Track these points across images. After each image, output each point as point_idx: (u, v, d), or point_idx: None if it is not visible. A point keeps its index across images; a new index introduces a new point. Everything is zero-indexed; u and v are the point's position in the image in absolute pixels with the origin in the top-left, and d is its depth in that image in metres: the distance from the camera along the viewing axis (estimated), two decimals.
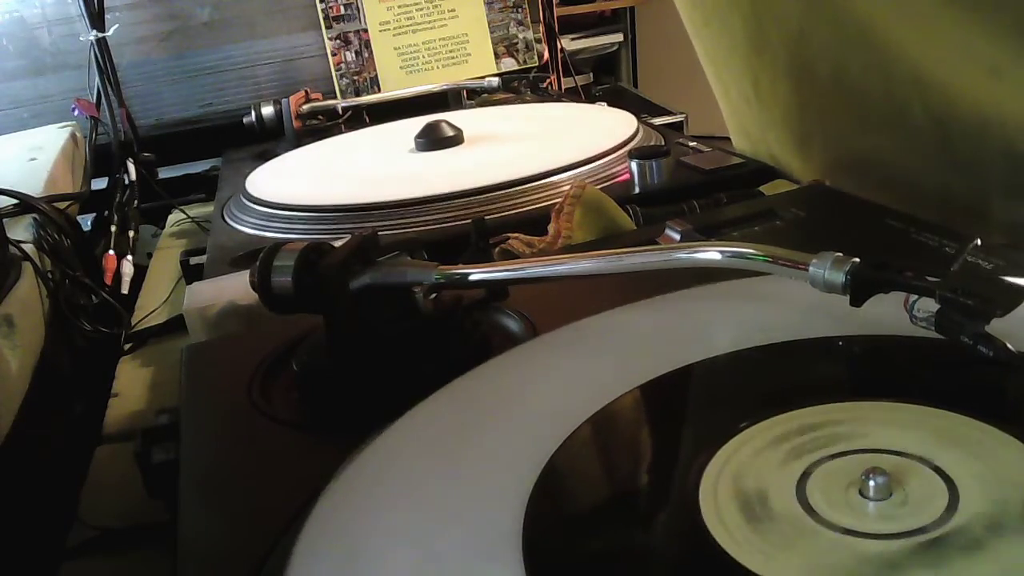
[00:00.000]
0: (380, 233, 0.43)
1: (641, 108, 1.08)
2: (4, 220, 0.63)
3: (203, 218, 0.91)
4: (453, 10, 1.18)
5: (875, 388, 0.34)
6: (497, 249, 0.57)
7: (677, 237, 0.52)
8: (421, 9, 1.17)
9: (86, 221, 0.92)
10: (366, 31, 1.16)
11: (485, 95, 1.12)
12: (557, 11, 1.28)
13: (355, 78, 1.16)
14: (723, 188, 0.65)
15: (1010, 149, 0.55)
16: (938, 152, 0.59)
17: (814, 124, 0.67)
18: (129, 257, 0.83)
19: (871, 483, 0.27)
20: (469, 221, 0.57)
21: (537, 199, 0.67)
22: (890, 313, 0.34)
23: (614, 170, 0.71)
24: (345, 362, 0.41)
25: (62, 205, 0.78)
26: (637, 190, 0.68)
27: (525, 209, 0.66)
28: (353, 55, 1.16)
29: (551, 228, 0.58)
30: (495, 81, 1.10)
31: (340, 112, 1.07)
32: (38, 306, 0.62)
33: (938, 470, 0.28)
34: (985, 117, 0.55)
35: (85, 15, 1.04)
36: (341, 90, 1.15)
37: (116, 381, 0.63)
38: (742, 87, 0.72)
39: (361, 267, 0.41)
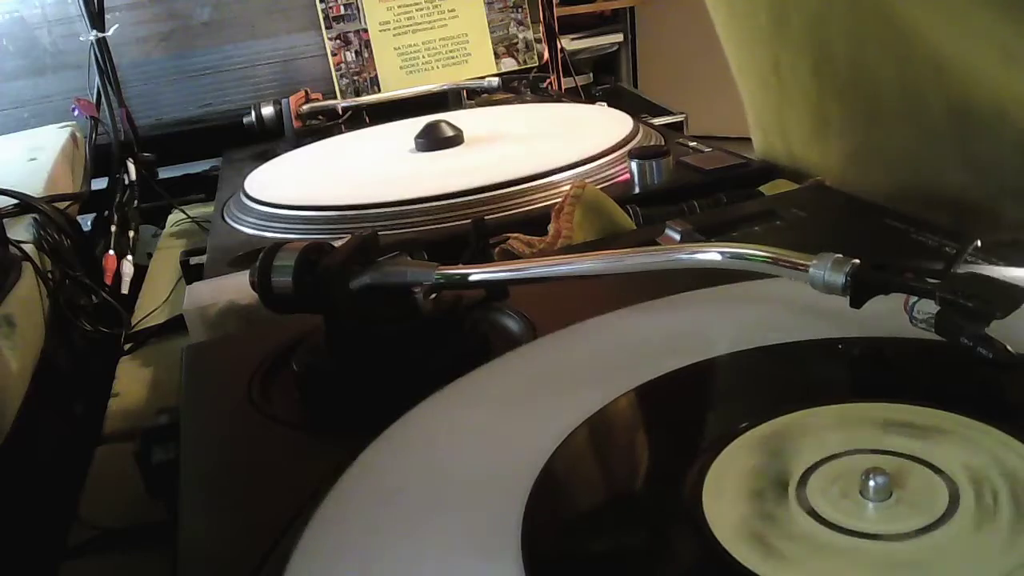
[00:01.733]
0: (380, 233, 0.43)
1: (641, 108, 1.08)
2: (4, 220, 0.63)
3: (203, 218, 0.91)
4: (453, 10, 1.18)
5: (875, 389, 0.34)
6: (497, 249, 0.57)
7: (677, 237, 0.52)
8: (421, 9, 1.17)
9: (86, 221, 0.92)
10: (366, 31, 1.16)
11: (485, 95, 1.12)
12: (557, 11, 1.28)
13: (355, 78, 1.16)
14: (723, 188, 0.65)
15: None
16: (953, 146, 0.58)
17: (831, 110, 0.67)
18: (129, 257, 0.83)
19: (871, 483, 0.27)
20: (469, 221, 0.57)
21: (537, 199, 0.67)
22: (890, 314, 0.34)
23: (614, 170, 0.71)
24: (345, 362, 0.41)
25: (62, 205, 0.78)
26: (637, 190, 0.68)
27: (525, 209, 0.66)
28: (353, 55, 1.16)
29: (551, 228, 0.58)
30: (495, 81, 1.10)
31: (340, 112, 1.07)
32: (38, 306, 0.62)
33: (938, 470, 0.28)
34: (1002, 107, 0.55)
35: (85, 15, 1.04)
36: (341, 90, 1.15)
37: (116, 381, 0.63)
38: (762, 70, 0.72)
39: (361, 267, 0.41)
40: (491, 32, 1.20)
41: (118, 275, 0.80)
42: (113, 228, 0.85)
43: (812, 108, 0.68)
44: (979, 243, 0.43)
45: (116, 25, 1.06)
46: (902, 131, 0.62)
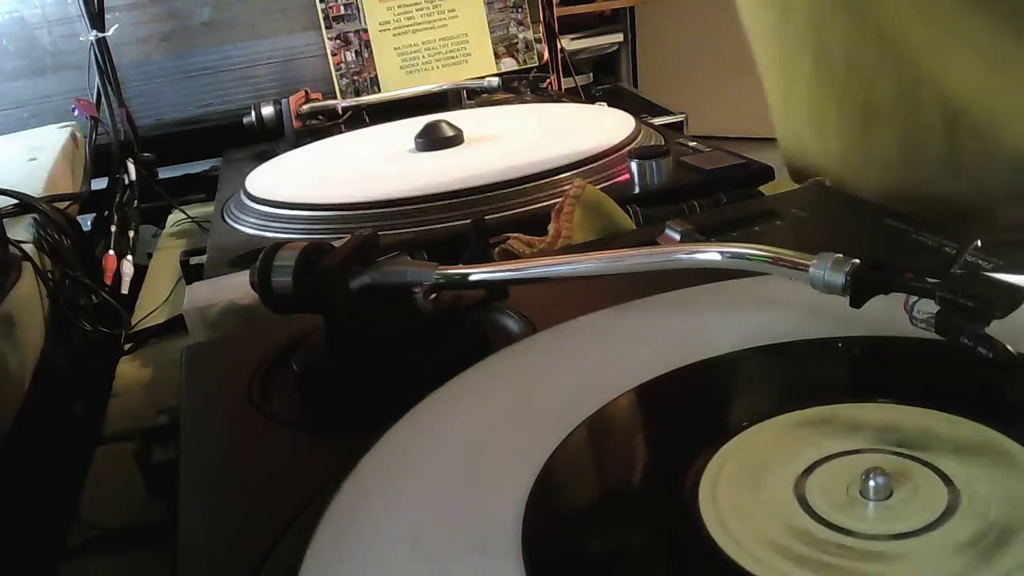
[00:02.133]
0: (380, 233, 0.43)
1: (641, 108, 1.08)
2: (4, 220, 0.63)
3: (203, 218, 0.91)
4: (453, 10, 1.18)
5: (875, 389, 0.34)
6: (497, 249, 0.57)
7: (677, 237, 0.52)
8: (421, 9, 1.17)
9: (86, 221, 0.92)
10: (366, 31, 1.16)
11: (485, 95, 1.12)
12: (557, 11, 1.28)
13: (355, 78, 1.16)
14: (723, 188, 0.65)
15: (1015, 151, 0.55)
16: (946, 151, 0.59)
17: (829, 107, 0.67)
18: (129, 257, 0.83)
19: (871, 483, 0.27)
20: (469, 221, 0.57)
21: (537, 199, 0.67)
22: (890, 314, 0.34)
23: (614, 170, 0.71)
24: (345, 362, 0.41)
25: (62, 205, 0.78)
26: (637, 190, 0.68)
27: (525, 209, 0.66)
28: (353, 55, 1.16)
29: (551, 228, 0.58)
30: (495, 81, 1.10)
31: (340, 112, 1.07)
32: (38, 306, 0.62)
33: (938, 471, 0.28)
34: (993, 115, 0.55)
35: (85, 15, 1.04)
36: (341, 90, 1.15)
37: (116, 381, 0.63)
38: (772, 61, 0.72)
39: (361, 267, 0.41)
40: (491, 32, 1.19)
41: (118, 275, 0.80)
42: (113, 228, 0.85)
43: (812, 104, 0.69)
44: (979, 243, 0.43)
45: (116, 25, 1.06)
46: (895, 133, 0.62)
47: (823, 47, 0.64)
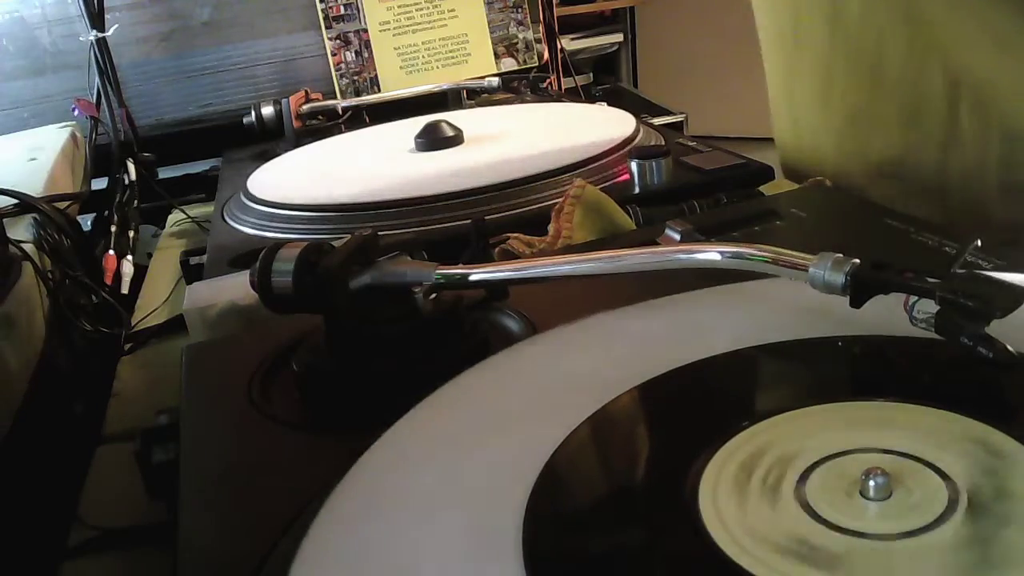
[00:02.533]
0: (380, 233, 0.43)
1: (641, 108, 1.08)
2: (4, 220, 0.63)
3: (203, 218, 0.91)
4: (453, 10, 1.18)
5: (875, 388, 0.34)
6: (497, 249, 0.57)
7: (677, 237, 0.52)
8: (421, 9, 1.17)
9: (86, 221, 0.92)
10: (366, 31, 1.16)
11: (485, 95, 1.12)
12: (557, 11, 1.28)
13: (355, 78, 1.16)
14: (723, 188, 0.65)
15: (1010, 129, 0.55)
16: (946, 121, 0.59)
17: (839, 68, 0.67)
18: (129, 257, 0.83)
19: (871, 483, 0.27)
20: (469, 221, 0.57)
21: (537, 199, 0.67)
22: (890, 314, 0.34)
23: (614, 170, 0.71)
24: (345, 362, 0.41)
25: (62, 205, 0.78)
26: (637, 190, 0.68)
27: (525, 209, 0.66)
28: (353, 55, 1.16)
29: (551, 228, 0.58)
30: (495, 81, 1.10)
31: (340, 112, 1.07)
32: (38, 306, 0.62)
33: (938, 470, 0.28)
34: (994, 90, 0.55)
35: (85, 15, 1.04)
36: (341, 90, 1.15)
37: (116, 381, 0.63)
38: (782, 28, 0.73)
39: (361, 267, 0.41)
40: (491, 32, 1.20)
41: (118, 275, 0.80)
42: (113, 228, 0.85)
43: (821, 69, 0.69)
44: (979, 243, 0.43)
45: (116, 25, 1.06)
46: (900, 97, 0.63)
47: (837, 9, 0.65)
